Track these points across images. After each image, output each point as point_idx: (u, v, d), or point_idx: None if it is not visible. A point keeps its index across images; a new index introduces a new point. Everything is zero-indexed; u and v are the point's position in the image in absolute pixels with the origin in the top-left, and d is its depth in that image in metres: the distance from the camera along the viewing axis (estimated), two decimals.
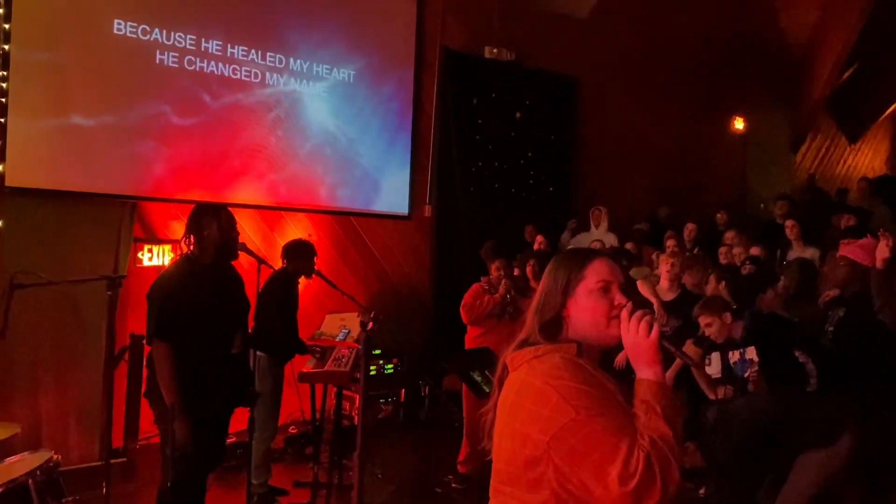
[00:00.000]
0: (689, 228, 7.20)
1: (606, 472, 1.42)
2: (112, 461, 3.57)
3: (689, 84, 9.77)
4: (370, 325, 3.19)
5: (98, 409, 5.12)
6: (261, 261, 3.86)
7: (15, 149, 5.06)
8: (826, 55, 10.20)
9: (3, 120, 4.89)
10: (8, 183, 5.02)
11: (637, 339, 1.57)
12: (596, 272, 1.67)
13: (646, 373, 1.57)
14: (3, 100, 4.94)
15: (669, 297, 4.88)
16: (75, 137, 5.36)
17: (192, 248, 3.40)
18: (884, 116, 13.20)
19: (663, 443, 1.45)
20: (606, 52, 8.87)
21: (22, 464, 3.11)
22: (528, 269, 5.23)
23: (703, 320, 4.06)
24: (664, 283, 4.99)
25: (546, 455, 1.49)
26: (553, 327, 1.67)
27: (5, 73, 4.94)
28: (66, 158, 5.33)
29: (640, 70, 9.19)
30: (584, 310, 1.66)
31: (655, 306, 4.34)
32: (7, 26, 4.92)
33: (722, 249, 6.38)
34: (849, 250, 4.28)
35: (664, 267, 4.97)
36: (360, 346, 4.64)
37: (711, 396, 4.44)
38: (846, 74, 11.36)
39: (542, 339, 1.66)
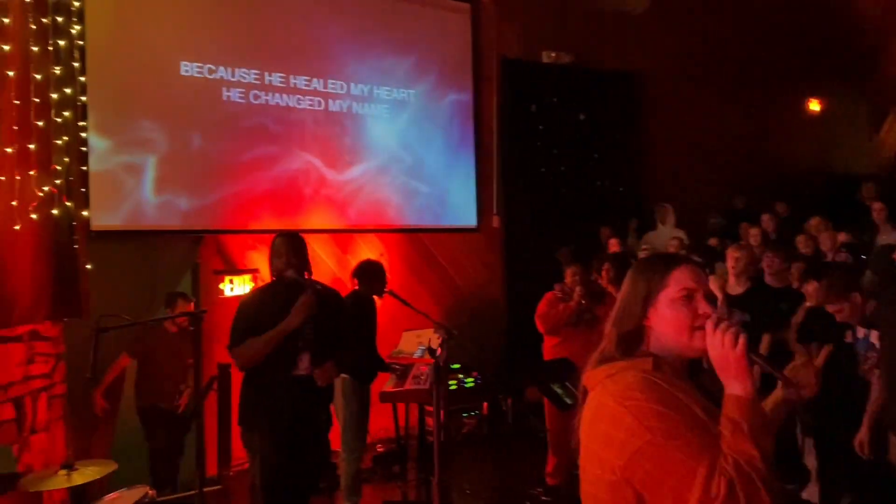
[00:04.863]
0: (765, 219, 6.88)
1: (685, 498, 1.34)
2: (206, 489, 3.65)
3: (757, 70, 9.40)
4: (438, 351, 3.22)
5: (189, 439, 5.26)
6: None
7: (99, 191, 5.27)
8: None
9: (84, 168, 5.07)
10: (93, 227, 5.12)
11: (723, 351, 1.45)
12: (678, 280, 1.58)
13: (734, 387, 1.45)
14: (84, 148, 5.10)
15: (738, 290, 4.68)
16: (149, 175, 5.60)
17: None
18: None
19: (749, 466, 1.33)
20: (667, 45, 8.65)
21: (121, 501, 3.19)
22: (604, 274, 5.06)
23: (830, 309, 3.79)
24: (731, 278, 4.79)
25: (623, 480, 1.43)
26: (633, 339, 1.59)
27: (85, 122, 5.15)
28: (142, 197, 5.58)
29: (704, 60, 8.91)
30: (666, 320, 1.56)
31: (718, 303, 4.14)
32: (83, 79, 5.13)
33: (801, 238, 6.06)
34: None
35: (730, 261, 4.77)
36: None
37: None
38: None
39: (618, 354, 1.58)
